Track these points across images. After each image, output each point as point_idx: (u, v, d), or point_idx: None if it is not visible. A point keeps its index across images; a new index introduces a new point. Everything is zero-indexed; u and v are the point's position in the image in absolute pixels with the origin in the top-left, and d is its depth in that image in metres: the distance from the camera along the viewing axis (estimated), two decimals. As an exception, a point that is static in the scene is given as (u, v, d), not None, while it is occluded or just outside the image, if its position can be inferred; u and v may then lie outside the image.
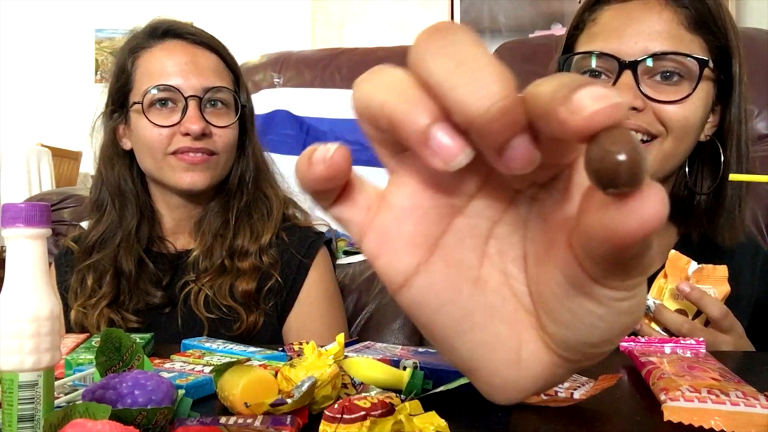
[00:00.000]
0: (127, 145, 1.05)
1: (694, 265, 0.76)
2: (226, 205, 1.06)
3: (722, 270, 0.76)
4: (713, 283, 0.75)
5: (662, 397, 0.50)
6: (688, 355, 0.65)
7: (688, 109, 0.76)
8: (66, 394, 0.56)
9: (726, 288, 0.76)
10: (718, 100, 0.83)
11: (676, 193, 0.84)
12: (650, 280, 0.72)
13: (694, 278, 0.75)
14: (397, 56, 1.79)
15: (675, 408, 0.47)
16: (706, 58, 0.77)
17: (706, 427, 0.45)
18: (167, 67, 1.00)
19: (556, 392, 0.52)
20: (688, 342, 0.67)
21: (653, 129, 0.77)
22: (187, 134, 0.98)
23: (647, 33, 0.76)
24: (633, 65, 0.75)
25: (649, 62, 0.76)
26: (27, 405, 0.43)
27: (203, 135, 0.99)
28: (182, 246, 1.08)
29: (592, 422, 0.50)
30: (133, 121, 1.02)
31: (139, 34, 1.05)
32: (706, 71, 0.77)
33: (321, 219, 1.18)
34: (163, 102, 1.00)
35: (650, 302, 0.74)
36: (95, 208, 1.07)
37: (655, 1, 0.78)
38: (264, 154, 1.13)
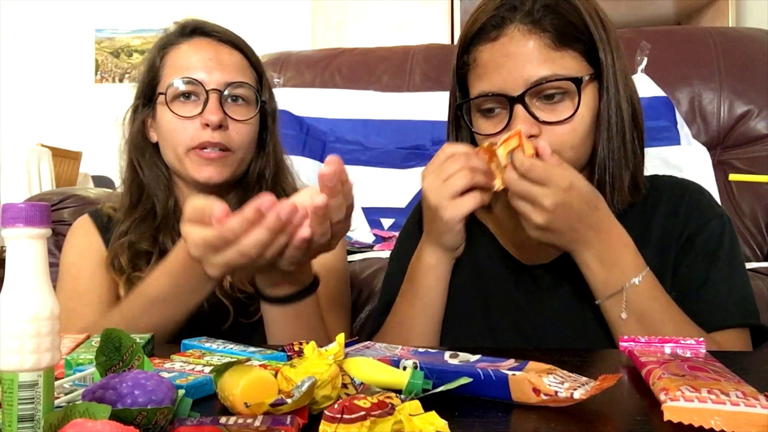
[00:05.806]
0: (153, 137, 1.09)
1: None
2: (243, 197, 1.08)
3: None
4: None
5: (662, 397, 0.50)
6: (688, 355, 0.65)
7: (577, 122, 0.84)
8: (66, 394, 0.56)
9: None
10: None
11: (600, 178, 0.88)
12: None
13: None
14: (397, 56, 1.79)
15: (675, 408, 0.47)
16: (580, 75, 0.83)
17: (706, 427, 0.45)
18: (192, 62, 1.04)
19: (556, 392, 0.52)
20: (688, 342, 0.67)
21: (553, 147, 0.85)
22: (206, 125, 1.01)
23: (523, 64, 0.83)
24: (520, 98, 0.83)
25: (532, 91, 0.83)
26: (27, 405, 0.43)
27: (220, 126, 1.01)
28: None
29: (592, 422, 0.50)
30: (158, 114, 1.06)
31: (170, 32, 1.10)
32: (584, 81, 0.83)
33: None
34: (186, 95, 1.03)
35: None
36: (130, 193, 1.09)
37: (519, 34, 0.84)
38: (284, 155, 1.15)
